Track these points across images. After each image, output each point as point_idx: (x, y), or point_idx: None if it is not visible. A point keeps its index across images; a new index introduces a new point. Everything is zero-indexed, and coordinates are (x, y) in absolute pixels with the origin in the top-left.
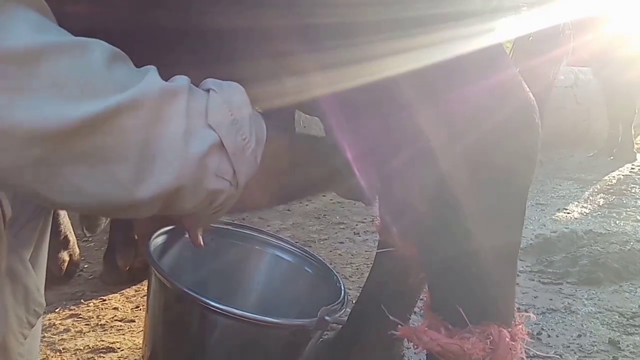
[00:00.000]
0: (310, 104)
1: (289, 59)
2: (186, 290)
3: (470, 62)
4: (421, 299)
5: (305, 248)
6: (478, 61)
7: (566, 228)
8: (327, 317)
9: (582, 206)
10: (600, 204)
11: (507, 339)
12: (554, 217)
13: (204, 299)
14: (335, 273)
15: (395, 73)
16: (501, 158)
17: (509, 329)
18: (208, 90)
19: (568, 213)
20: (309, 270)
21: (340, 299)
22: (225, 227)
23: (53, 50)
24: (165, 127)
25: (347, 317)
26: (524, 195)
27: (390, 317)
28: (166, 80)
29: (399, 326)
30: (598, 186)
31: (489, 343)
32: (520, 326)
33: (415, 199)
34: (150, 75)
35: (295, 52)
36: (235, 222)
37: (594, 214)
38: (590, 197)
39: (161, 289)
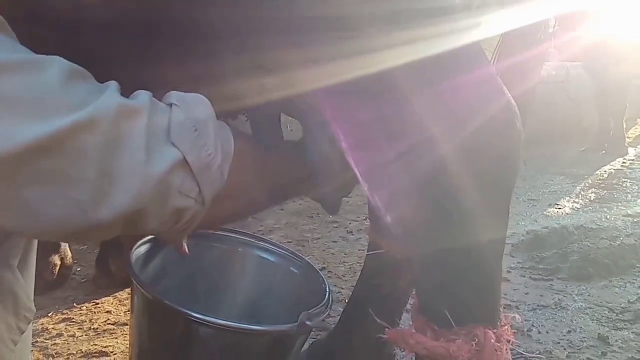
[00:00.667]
0: (291, 102)
1: (276, 53)
2: (167, 301)
3: (449, 64)
4: (412, 298)
5: (297, 248)
6: (457, 63)
7: (557, 224)
8: (308, 322)
9: (574, 201)
10: (592, 199)
11: (493, 340)
12: (545, 212)
13: (183, 310)
14: (321, 274)
15: (374, 71)
16: (482, 162)
17: (495, 330)
18: (170, 105)
19: (559, 208)
20: (295, 270)
21: (324, 301)
22: (213, 232)
23: (6, 66)
24: (124, 146)
25: (338, 317)
26: (507, 197)
27: (378, 321)
28: (128, 96)
29: (387, 329)
30: (590, 181)
31: (474, 345)
32: (506, 327)
33: (401, 202)
34: (109, 92)
35: (281, 46)
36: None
37: (585, 209)
38: (582, 192)
39: (143, 300)
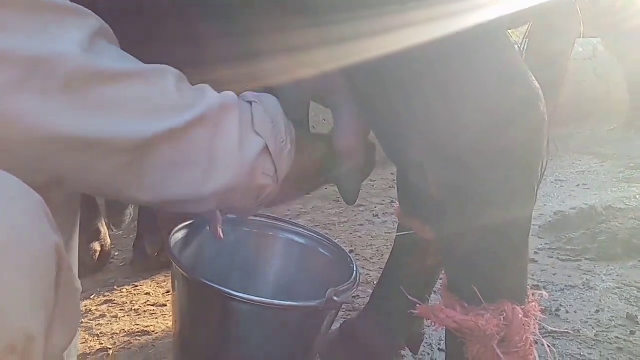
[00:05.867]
0: (325, 91)
1: (293, 35)
2: (204, 280)
3: (472, 47)
4: (440, 279)
5: (324, 231)
6: (474, 43)
7: (585, 204)
8: (335, 298)
9: (602, 181)
10: (620, 179)
11: (521, 316)
12: (572, 193)
13: (219, 287)
14: (349, 254)
15: (394, 51)
16: (505, 144)
17: (523, 306)
18: (250, 102)
19: (587, 189)
20: (324, 252)
21: (351, 279)
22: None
23: (138, 75)
24: (224, 136)
25: (367, 298)
26: (531, 178)
27: (410, 298)
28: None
29: (418, 305)
30: (618, 160)
31: (502, 320)
32: (533, 303)
33: (430, 184)
34: (209, 93)
35: (298, 27)
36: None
37: (614, 189)
38: (610, 172)
39: (183, 281)
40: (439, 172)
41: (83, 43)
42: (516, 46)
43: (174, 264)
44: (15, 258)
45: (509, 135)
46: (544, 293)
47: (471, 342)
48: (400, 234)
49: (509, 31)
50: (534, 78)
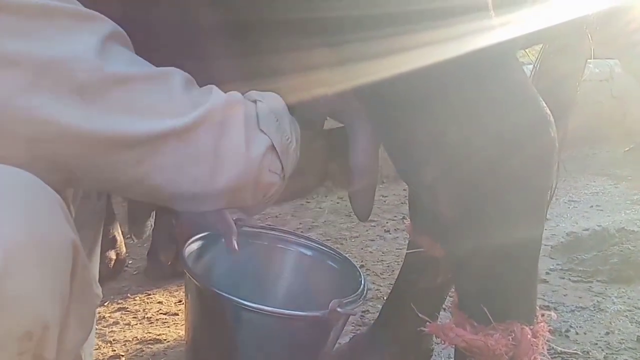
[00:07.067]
0: (339, 107)
1: (308, 55)
2: (214, 288)
3: (484, 71)
4: (450, 297)
5: (335, 246)
6: (491, 70)
7: (598, 226)
8: (338, 309)
9: (615, 203)
10: (634, 201)
11: (529, 336)
12: (585, 214)
13: (227, 295)
14: (358, 267)
15: (408, 73)
16: (515, 169)
17: (531, 327)
18: (255, 101)
19: (600, 210)
20: (334, 265)
21: (358, 292)
22: (256, 230)
23: (147, 78)
24: (231, 133)
25: (377, 314)
26: (541, 201)
27: (419, 315)
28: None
29: (428, 323)
30: (633, 182)
31: (511, 339)
32: (542, 324)
33: (441, 203)
34: (215, 92)
35: (313, 48)
36: (265, 225)
37: (627, 211)
38: (624, 194)
39: (195, 290)
40: (449, 193)
41: (96, 46)
42: (530, 66)
43: (186, 273)
44: (33, 252)
45: (519, 159)
46: (553, 314)
47: None
48: (411, 251)
49: (524, 50)
50: (544, 103)
